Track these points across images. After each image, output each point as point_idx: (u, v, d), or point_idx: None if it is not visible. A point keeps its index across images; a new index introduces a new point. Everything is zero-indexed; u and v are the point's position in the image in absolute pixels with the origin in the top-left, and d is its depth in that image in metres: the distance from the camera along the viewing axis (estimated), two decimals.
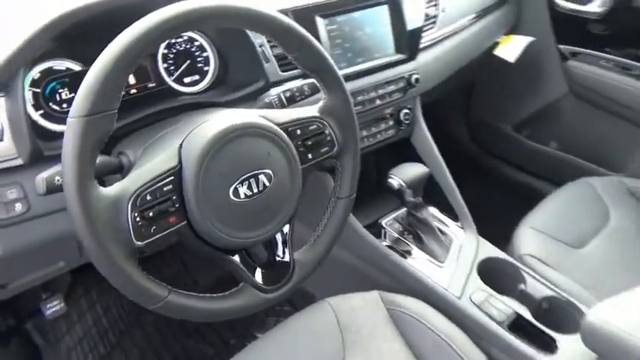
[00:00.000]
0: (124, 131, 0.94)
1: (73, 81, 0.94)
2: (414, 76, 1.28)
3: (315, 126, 0.83)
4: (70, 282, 1.42)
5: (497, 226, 1.26)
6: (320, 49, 0.80)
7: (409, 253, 1.22)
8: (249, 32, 1.03)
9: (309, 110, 0.84)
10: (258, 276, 0.81)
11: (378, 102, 1.24)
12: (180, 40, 1.06)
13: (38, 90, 0.91)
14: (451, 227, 1.28)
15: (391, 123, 1.31)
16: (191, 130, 0.73)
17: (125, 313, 1.49)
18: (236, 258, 0.80)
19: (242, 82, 1.08)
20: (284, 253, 0.85)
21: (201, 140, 0.70)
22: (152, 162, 0.70)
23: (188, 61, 1.07)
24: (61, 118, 0.93)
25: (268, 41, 1.05)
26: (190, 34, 1.07)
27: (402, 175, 1.17)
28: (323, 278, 1.02)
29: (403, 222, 1.28)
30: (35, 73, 0.90)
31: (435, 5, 1.36)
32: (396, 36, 1.26)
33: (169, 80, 1.05)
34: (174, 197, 0.69)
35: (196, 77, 1.09)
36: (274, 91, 0.96)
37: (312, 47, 0.78)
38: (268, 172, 0.75)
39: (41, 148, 0.83)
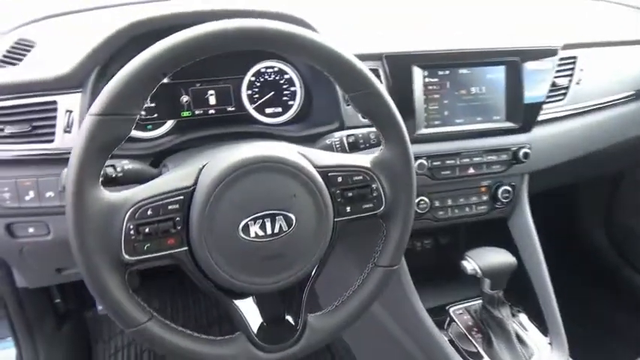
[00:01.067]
0: (187, 146, 0.94)
1: (158, 92, 0.94)
2: (524, 150, 1.10)
3: (361, 177, 0.72)
4: (137, 284, 1.47)
5: (611, 354, 0.98)
6: (381, 91, 0.70)
7: (473, 355, 1.00)
8: None
9: (359, 158, 0.74)
10: (259, 329, 0.71)
11: (471, 171, 1.08)
12: (270, 70, 1.05)
13: None
14: (535, 338, 1.04)
15: (485, 198, 1.13)
16: (219, 154, 0.69)
17: None
18: (240, 303, 0.72)
19: (321, 121, 1.02)
20: (298, 312, 0.74)
21: (221, 165, 0.65)
22: (167, 177, 0.67)
23: (273, 92, 1.05)
24: (138, 124, 0.95)
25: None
26: (282, 66, 1.05)
27: (481, 260, 0.98)
28: (365, 334, 0.87)
29: (475, 316, 1.07)
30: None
31: (569, 75, 1.16)
32: (510, 101, 1.10)
33: (250, 107, 1.04)
34: (177, 218, 0.64)
35: (279, 109, 1.07)
36: (339, 134, 0.88)
37: (371, 87, 0.69)
38: (289, 216, 0.67)
39: None
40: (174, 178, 0.66)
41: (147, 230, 0.62)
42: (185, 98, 1.00)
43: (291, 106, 1.07)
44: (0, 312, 1.17)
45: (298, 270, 0.70)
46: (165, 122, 0.99)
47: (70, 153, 0.83)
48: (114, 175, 0.73)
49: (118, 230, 0.61)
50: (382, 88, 0.71)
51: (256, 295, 0.73)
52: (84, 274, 0.61)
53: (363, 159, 0.74)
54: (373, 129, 0.87)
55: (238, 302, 0.72)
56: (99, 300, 0.62)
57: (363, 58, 0.99)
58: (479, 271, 0.97)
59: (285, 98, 1.07)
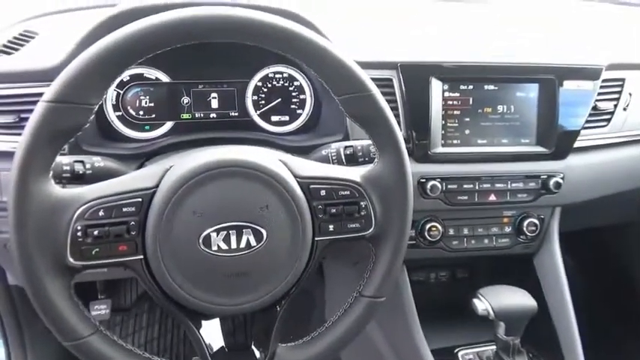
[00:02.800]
0: (180, 148, 0.89)
1: (157, 91, 0.94)
2: (556, 179, 0.97)
3: (348, 192, 0.64)
4: (137, 297, 1.43)
5: None
6: (374, 94, 0.62)
7: None
8: None
9: (348, 171, 0.65)
10: (216, 355, 0.63)
11: (492, 198, 0.97)
12: (278, 76, 0.99)
13: (121, 91, 0.92)
14: None
15: (508, 230, 1.01)
16: (189, 155, 0.62)
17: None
18: (204, 323, 0.64)
19: (327, 132, 0.95)
20: (267, 340, 0.65)
21: (185, 167, 0.58)
22: (128, 176, 0.61)
23: (280, 99, 0.99)
24: (134, 124, 0.93)
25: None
26: (292, 72, 0.99)
27: (495, 300, 0.86)
28: None
29: None
30: (125, 75, 0.92)
31: (615, 100, 1.03)
32: (542, 123, 0.98)
33: (254, 113, 0.98)
34: (132, 223, 0.57)
35: (286, 118, 1.00)
36: (336, 145, 0.79)
37: (363, 89, 0.61)
38: (259, 230, 0.59)
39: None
40: (134, 177, 0.60)
41: (96, 233, 0.56)
42: (186, 100, 0.95)
43: (299, 115, 1.00)
44: None
45: (265, 293, 0.61)
46: (164, 124, 0.95)
47: None
48: (81, 172, 0.68)
49: (64, 230, 0.55)
50: (376, 91, 0.62)
51: (220, 318, 0.65)
52: (21, 275, 0.55)
53: (353, 172, 0.65)
54: None
55: (204, 323, 0.65)
56: (36, 306, 0.56)
57: (375, 66, 0.93)
58: (491, 312, 0.85)
59: (293, 106, 1.00)
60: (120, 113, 0.92)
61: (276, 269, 0.61)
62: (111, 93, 0.91)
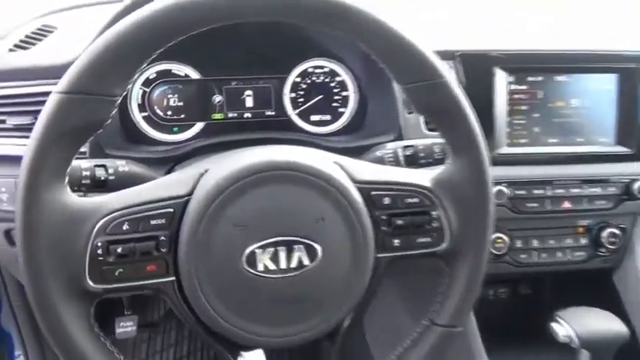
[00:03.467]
0: (213, 151, 0.79)
1: (186, 89, 0.85)
2: (639, 184, 0.84)
3: (417, 200, 0.53)
4: (165, 312, 1.34)
5: None
6: (450, 83, 0.51)
7: None
8: None
9: (416, 175, 0.55)
10: None
11: (566, 205, 0.84)
12: (319, 70, 0.89)
13: (147, 90, 0.83)
14: None
15: (584, 242, 0.88)
16: (227, 157, 0.52)
17: None
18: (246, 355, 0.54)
19: (376, 132, 0.84)
20: None
21: (225, 171, 0.49)
22: (156, 182, 0.51)
23: (321, 97, 0.89)
24: (161, 125, 0.84)
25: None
26: (333, 66, 0.89)
27: (579, 324, 0.74)
28: None
29: None
30: (152, 72, 0.83)
31: None
32: (622, 120, 0.85)
33: (292, 112, 0.88)
34: (162, 237, 0.48)
35: (327, 117, 0.90)
36: (393, 145, 0.69)
37: (436, 76, 0.50)
38: (313, 246, 0.49)
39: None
40: (164, 184, 0.51)
41: (120, 250, 0.47)
42: (218, 98, 0.86)
43: (342, 113, 0.90)
44: (9, 321, 1.07)
45: (321, 321, 0.51)
46: (194, 125, 0.86)
47: None
48: (103, 178, 0.59)
49: (81, 248, 0.46)
50: (450, 77, 0.51)
51: (265, 350, 0.55)
52: (32, 302, 0.46)
53: (422, 176, 0.54)
54: (438, 141, 0.67)
55: (245, 354, 0.55)
56: (50, 340, 0.47)
57: None
58: (575, 339, 0.72)
59: (335, 104, 0.90)
60: (146, 114, 0.84)
61: (332, 293, 0.51)
62: (136, 91, 0.83)
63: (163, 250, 0.48)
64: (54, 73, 0.71)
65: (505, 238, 0.84)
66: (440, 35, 0.84)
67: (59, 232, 0.45)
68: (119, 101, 0.46)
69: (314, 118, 0.89)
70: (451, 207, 0.53)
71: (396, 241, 0.53)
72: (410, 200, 0.53)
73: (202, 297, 0.48)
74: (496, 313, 1.01)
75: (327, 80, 0.89)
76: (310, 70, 0.88)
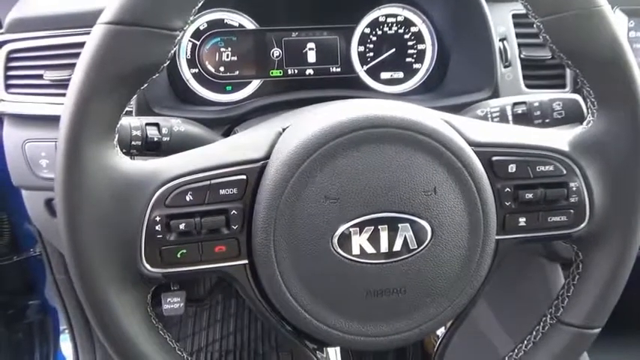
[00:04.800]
0: (273, 111, 0.69)
1: (241, 42, 0.74)
2: None
3: (551, 167, 0.41)
4: (210, 286, 1.28)
5: None
6: (605, 12, 0.39)
7: None
8: (490, 19, 0.67)
9: (550, 136, 0.43)
10: None
11: None
12: (391, 20, 0.76)
13: (197, 42, 0.73)
14: None
15: None
16: (310, 112, 0.42)
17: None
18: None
19: (460, 89, 0.72)
20: None
21: (311, 129, 0.38)
22: (224, 144, 0.41)
23: (393, 50, 0.77)
24: (213, 83, 0.74)
25: (520, 34, 0.67)
26: (409, 14, 0.76)
27: None
28: None
29: None
30: (202, 22, 0.73)
31: None
32: None
33: (360, 69, 0.77)
34: (233, 212, 0.38)
35: (400, 74, 0.78)
36: (498, 102, 0.56)
37: (587, 3, 0.38)
38: (422, 225, 0.39)
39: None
40: (234, 145, 0.41)
41: (182, 227, 0.37)
42: (276, 52, 0.75)
43: (417, 70, 0.78)
44: (58, 302, 1.02)
45: (430, 317, 0.41)
46: (250, 83, 0.75)
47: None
48: (156, 139, 0.50)
49: (136, 223, 0.37)
50: (607, 6, 0.39)
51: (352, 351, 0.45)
52: (78, 291, 0.37)
53: (558, 137, 0.43)
54: (558, 96, 0.54)
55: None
56: (103, 338, 0.38)
57: None
58: None
59: (409, 59, 0.77)
60: (196, 70, 0.74)
61: (442, 284, 0.40)
62: (185, 44, 0.73)
63: (235, 227, 0.38)
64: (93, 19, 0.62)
65: None
66: None
67: (107, 203, 0.36)
68: (181, 37, 0.36)
69: (384, 75, 0.78)
70: (596, 177, 0.42)
71: (523, 220, 0.42)
72: (542, 168, 0.41)
73: (283, 285, 0.38)
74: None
75: (400, 31, 0.77)
76: (382, 19, 0.76)
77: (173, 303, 1.12)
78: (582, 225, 0.42)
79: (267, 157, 0.39)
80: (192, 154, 0.39)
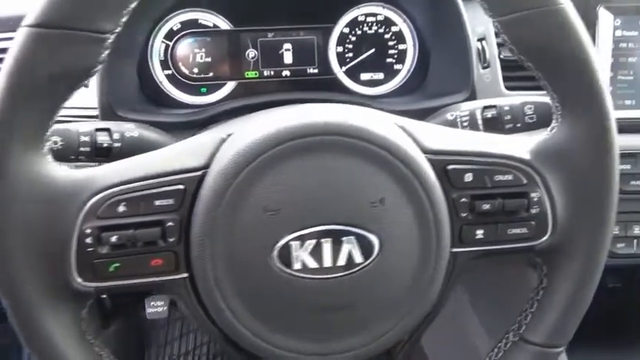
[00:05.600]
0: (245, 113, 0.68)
1: (216, 43, 0.72)
2: None
3: (510, 176, 0.39)
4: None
5: None
6: (566, 11, 0.36)
7: None
8: (467, 19, 0.64)
9: (510, 143, 0.40)
10: None
11: None
12: (371, 19, 0.74)
13: (170, 43, 0.71)
14: None
15: None
16: (255, 119, 0.40)
17: None
18: None
19: (440, 91, 0.69)
20: None
21: (252, 136, 0.36)
22: (162, 152, 0.39)
23: (373, 50, 0.74)
24: (187, 85, 0.73)
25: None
26: (389, 14, 0.74)
27: None
28: None
29: None
30: (176, 22, 0.71)
31: None
32: None
33: (339, 70, 0.75)
34: (169, 223, 0.36)
35: (380, 75, 0.75)
36: (468, 106, 0.54)
37: (547, 2, 0.36)
38: (368, 238, 0.36)
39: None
40: (174, 153, 0.39)
41: (114, 239, 0.36)
42: (252, 53, 0.73)
43: (398, 71, 0.76)
44: None
45: (379, 334, 0.39)
46: (224, 84, 0.74)
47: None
48: (106, 145, 0.48)
49: (66, 236, 0.35)
50: (568, 4, 0.37)
51: None
52: (6, 308, 0.36)
53: (518, 144, 0.40)
54: (530, 99, 0.52)
55: None
56: (30, 351, 0.37)
57: None
58: None
59: (389, 60, 0.75)
60: (169, 72, 0.72)
61: (392, 300, 0.38)
62: (158, 45, 0.71)
63: (172, 240, 0.37)
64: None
65: None
66: None
67: (36, 215, 0.35)
68: (111, 41, 0.35)
69: (364, 76, 0.75)
70: (558, 187, 0.39)
71: (480, 232, 0.39)
72: (500, 177, 0.39)
73: (222, 302, 0.37)
74: None
75: (380, 31, 0.75)
76: (361, 18, 0.74)
77: (157, 307, 1.11)
78: (544, 238, 0.40)
79: (208, 165, 0.37)
80: (128, 162, 0.38)
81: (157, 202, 0.36)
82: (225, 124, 0.44)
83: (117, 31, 0.35)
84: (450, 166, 0.39)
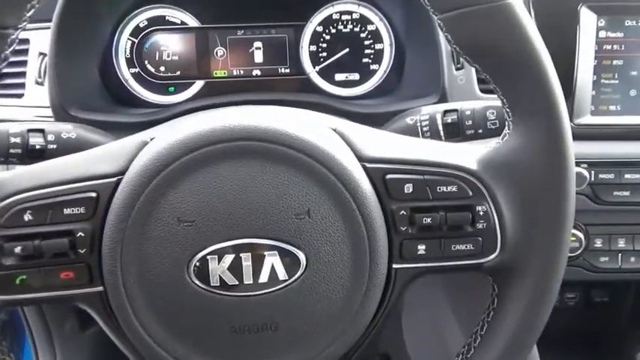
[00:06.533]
0: None
1: (183, 41, 0.70)
2: None
3: (454, 187, 0.36)
4: None
5: None
6: (514, 7, 0.33)
7: None
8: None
9: (455, 152, 0.37)
10: None
11: None
12: (346, 18, 0.71)
13: (136, 40, 0.69)
14: None
15: None
16: (179, 123, 0.37)
17: None
18: None
19: (414, 93, 0.66)
20: None
21: (169, 140, 0.34)
22: (78, 155, 0.37)
23: (347, 50, 0.71)
24: (154, 84, 0.70)
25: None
26: (365, 12, 0.71)
27: None
28: None
29: None
30: (142, 19, 0.69)
31: None
32: None
33: (312, 70, 0.72)
34: (79, 234, 0.34)
35: (355, 76, 0.72)
36: (428, 110, 0.51)
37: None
38: (293, 253, 0.34)
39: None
40: (90, 157, 0.36)
41: (18, 250, 0.33)
42: (220, 51, 0.70)
43: (374, 72, 0.72)
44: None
45: (310, 356, 0.36)
46: (193, 84, 0.71)
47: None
48: (39, 147, 0.46)
49: None
50: (518, 3, 0.33)
51: None
52: None
53: (464, 153, 0.37)
54: (493, 104, 0.48)
55: None
56: None
57: None
58: None
59: (365, 60, 0.72)
60: (136, 70, 0.70)
61: (324, 319, 0.35)
62: (124, 43, 0.69)
63: (82, 251, 0.34)
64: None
65: (580, 235, 0.64)
66: None
67: None
68: (15, 36, 0.32)
69: (339, 77, 0.72)
70: (507, 201, 0.36)
71: (422, 248, 0.36)
72: (443, 189, 0.36)
73: (134, 318, 0.34)
74: (561, 323, 0.81)
75: (356, 30, 0.71)
76: (335, 16, 0.71)
77: None
78: (493, 255, 0.36)
79: (123, 172, 0.35)
80: (38, 167, 0.35)
81: (67, 211, 0.34)
82: (158, 126, 0.41)
83: (20, 26, 0.32)
84: (389, 176, 0.35)
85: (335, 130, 0.37)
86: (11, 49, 0.32)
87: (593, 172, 0.62)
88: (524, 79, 0.34)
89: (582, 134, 0.61)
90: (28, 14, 0.32)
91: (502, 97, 0.35)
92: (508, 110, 0.36)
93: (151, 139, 0.36)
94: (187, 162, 0.33)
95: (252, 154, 0.33)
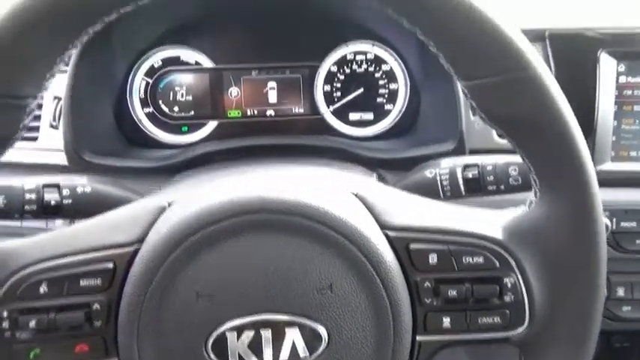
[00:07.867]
0: (224, 158, 0.64)
1: (197, 81, 0.70)
2: None
3: (480, 259, 0.35)
4: None
5: None
6: (542, 78, 0.32)
7: None
8: None
9: (481, 220, 0.36)
10: None
11: None
12: (360, 58, 0.71)
13: (151, 80, 0.69)
14: None
15: None
16: (197, 189, 0.37)
17: None
18: None
19: (429, 137, 0.65)
20: None
21: (181, 214, 0.33)
22: (93, 222, 0.36)
23: (362, 90, 0.71)
24: (167, 124, 0.70)
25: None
26: (380, 52, 0.71)
27: None
28: None
29: None
30: (157, 59, 0.69)
31: None
32: None
33: (326, 110, 0.71)
34: (96, 306, 0.33)
35: (370, 116, 0.72)
36: (448, 162, 0.50)
37: (520, 68, 0.31)
38: (315, 329, 0.32)
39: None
40: (107, 224, 0.36)
41: (33, 324, 0.32)
42: (234, 92, 0.70)
43: (389, 111, 0.72)
44: None
45: None
46: (206, 124, 0.71)
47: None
48: (54, 203, 0.45)
49: None
50: (542, 69, 0.32)
51: None
52: None
53: (489, 220, 0.36)
54: (514, 160, 0.47)
55: None
56: None
57: None
58: None
59: (380, 100, 0.71)
60: (150, 110, 0.70)
61: None
62: (138, 83, 0.69)
63: (98, 324, 0.33)
64: None
65: None
66: (524, 10, 0.63)
67: None
68: (34, 106, 0.32)
69: (353, 117, 0.72)
70: (535, 272, 0.35)
71: (447, 320, 0.35)
72: (469, 260, 0.34)
73: None
74: None
75: (370, 70, 0.71)
76: (350, 56, 0.71)
77: None
78: (521, 328, 0.35)
79: (142, 239, 0.34)
80: (53, 236, 0.35)
81: (83, 282, 0.33)
82: (174, 186, 0.40)
83: (39, 95, 0.32)
84: (413, 245, 0.34)
85: (356, 196, 0.36)
86: (29, 118, 0.32)
87: (614, 219, 0.60)
88: (554, 149, 0.33)
89: (603, 181, 0.59)
90: (47, 83, 0.32)
91: (529, 164, 0.34)
92: (535, 178, 0.35)
93: (169, 204, 0.36)
94: (208, 234, 0.32)
95: (273, 227, 0.32)
